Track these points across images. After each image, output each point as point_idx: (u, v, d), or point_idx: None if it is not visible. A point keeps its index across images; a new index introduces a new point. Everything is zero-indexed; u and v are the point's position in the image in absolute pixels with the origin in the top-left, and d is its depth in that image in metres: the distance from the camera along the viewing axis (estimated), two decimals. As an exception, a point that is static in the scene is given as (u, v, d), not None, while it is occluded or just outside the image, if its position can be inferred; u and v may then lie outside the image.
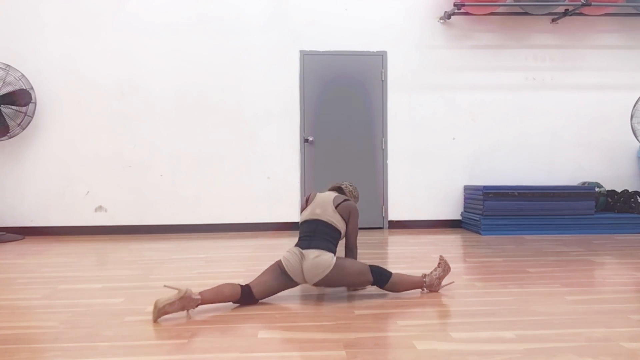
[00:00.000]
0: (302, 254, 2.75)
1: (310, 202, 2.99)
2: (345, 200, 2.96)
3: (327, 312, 2.62)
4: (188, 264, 4.02)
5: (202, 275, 3.61)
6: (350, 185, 3.21)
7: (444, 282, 3.04)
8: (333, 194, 3.00)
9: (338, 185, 3.20)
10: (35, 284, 3.35)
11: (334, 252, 2.81)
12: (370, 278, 2.82)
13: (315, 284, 2.76)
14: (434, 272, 3.00)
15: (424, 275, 2.97)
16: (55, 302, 2.90)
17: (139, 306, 2.77)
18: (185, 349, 2.12)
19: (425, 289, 2.95)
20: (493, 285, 3.22)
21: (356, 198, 3.18)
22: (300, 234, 2.91)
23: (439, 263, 3.04)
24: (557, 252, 4.38)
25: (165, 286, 2.51)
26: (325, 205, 2.91)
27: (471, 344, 2.15)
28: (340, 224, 2.89)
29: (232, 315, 2.58)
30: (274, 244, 5.05)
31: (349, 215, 2.93)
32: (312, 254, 2.73)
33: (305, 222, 2.91)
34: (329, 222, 2.85)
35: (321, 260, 2.71)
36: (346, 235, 3.00)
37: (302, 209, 3.04)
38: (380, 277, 2.83)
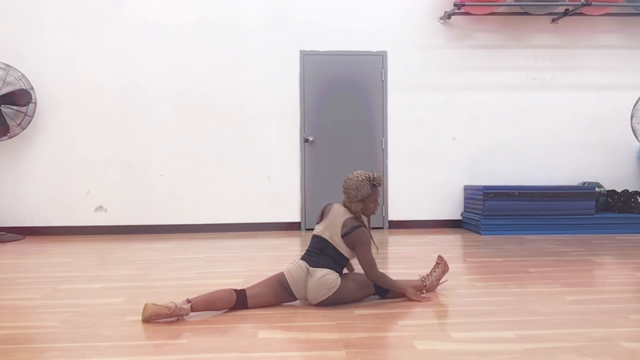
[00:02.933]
0: (308, 270, 2.68)
1: (325, 217, 2.80)
2: (352, 229, 2.68)
3: (327, 312, 2.62)
4: (188, 264, 4.02)
5: (202, 275, 3.60)
6: (352, 182, 2.72)
7: (440, 281, 3.05)
8: (343, 216, 2.74)
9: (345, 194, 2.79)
10: (35, 284, 3.35)
11: (340, 273, 2.74)
12: (373, 290, 2.80)
13: (318, 304, 2.69)
14: (433, 273, 2.99)
15: (423, 279, 2.96)
16: (55, 302, 2.90)
17: (139, 306, 2.76)
18: (185, 349, 2.12)
19: (425, 291, 2.93)
20: (493, 285, 3.22)
21: (361, 195, 2.71)
22: (309, 246, 2.80)
23: (438, 263, 3.03)
24: (557, 252, 4.38)
25: (152, 304, 2.44)
26: (334, 230, 2.72)
27: (471, 344, 2.15)
28: (346, 252, 2.73)
29: (232, 315, 2.58)
30: (274, 244, 5.05)
31: (354, 247, 2.70)
32: (319, 272, 2.67)
33: (317, 237, 2.78)
34: (337, 248, 2.72)
35: (327, 280, 2.65)
36: (361, 267, 2.75)
37: (318, 222, 2.87)
38: (383, 288, 2.81)
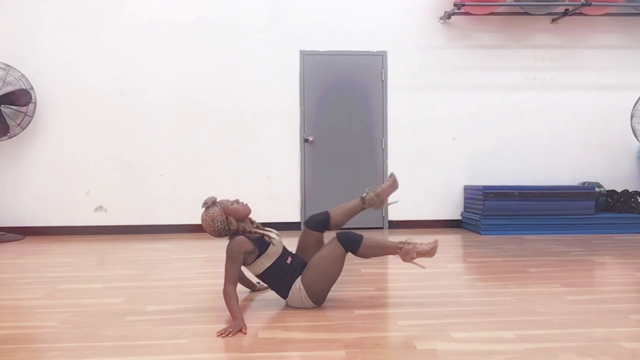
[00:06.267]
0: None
1: None
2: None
3: (327, 312, 2.62)
4: (188, 264, 4.02)
5: (202, 275, 3.61)
6: (208, 227, 2.61)
7: (419, 260, 2.74)
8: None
9: None
10: (35, 284, 3.35)
11: (290, 282, 2.62)
12: (342, 250, 2.60)
13: (317, 305, 2.69)
14: (419, 246, 2.69)
15: (402, 243, 2.69)
16: (55, 302, 2.90)
17: (139, 306, 2.77)
18: (185, 349, 2.12)
19: (399, 255, 2.70)
20: (493, 285, 3.21)
21: (219, 222, 2.58)
22: None
23: (431, 244, 2.70)
24: (557, 252, 4.38)
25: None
26: None
27: (471, 344, 2.15)
28: (257, 266, 2.61)
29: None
30: (274, 244, 5.04)
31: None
32: (287, 302, 2.72)
33: None
34: (256, 274, 2.65)
35: (293, 302, 2.67)
36: None
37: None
38: (350, 242, 2.60)
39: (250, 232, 2.60)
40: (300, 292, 2.62)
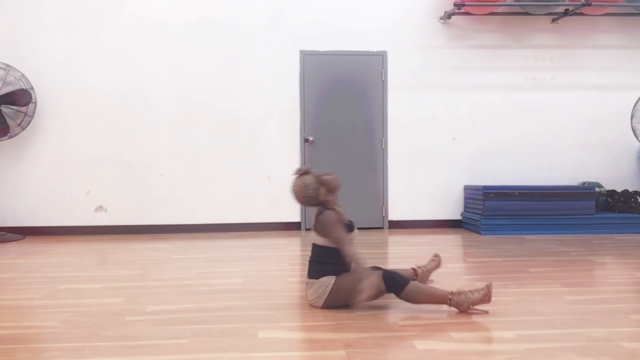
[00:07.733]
0: (307, 282, 2.77)
1: None
2: (317, 216, 2.68)
3: (327, 312, 2.62)
4: (188, 264, 4.02)
5: (202, 275, 3.61)
6: (297, 188, 2.67)
7: (478, 307, 2.60)
8: (314, 212, 2.74)
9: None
10: (35, 284, 3.35)
11: (330, 272, 2.65)
12: (383, 287, 2.58)
13: (323, 307, 2.67)
14: (470, 295, 2.58)
15: (453, 293, 2.58)
16: (55, 302, 2.90)
17: (139, 306, 2.77)
18: (185, 349, 2.12)
19: (450, 306, 2.59)
20: (493, 285, 3.21)
21: (312, 187, 2.65)
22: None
23: (484, 290, 2.60)
24: (557, 252, 4.38)
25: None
26: (312, 226, 2.74)
27: (471, 344, 2.15)
28: (327, 243, 2.66)
29: (232, 315, 2.58)
30: (274, 244, 5.05)
31: (324, 233, 2.64)
32: (309, 284, 2.73)
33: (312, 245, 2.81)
34: (317, 243, 2.71)
35: (313, 290, 2.69)
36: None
37: None
38: (394, 284, 2.58)
39: (338, 207, 2.67)
40: (326, 287, 2.63)
